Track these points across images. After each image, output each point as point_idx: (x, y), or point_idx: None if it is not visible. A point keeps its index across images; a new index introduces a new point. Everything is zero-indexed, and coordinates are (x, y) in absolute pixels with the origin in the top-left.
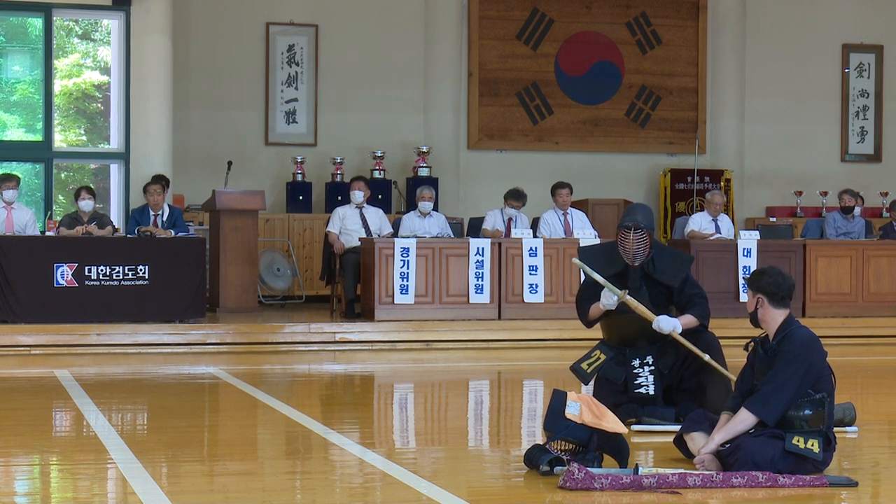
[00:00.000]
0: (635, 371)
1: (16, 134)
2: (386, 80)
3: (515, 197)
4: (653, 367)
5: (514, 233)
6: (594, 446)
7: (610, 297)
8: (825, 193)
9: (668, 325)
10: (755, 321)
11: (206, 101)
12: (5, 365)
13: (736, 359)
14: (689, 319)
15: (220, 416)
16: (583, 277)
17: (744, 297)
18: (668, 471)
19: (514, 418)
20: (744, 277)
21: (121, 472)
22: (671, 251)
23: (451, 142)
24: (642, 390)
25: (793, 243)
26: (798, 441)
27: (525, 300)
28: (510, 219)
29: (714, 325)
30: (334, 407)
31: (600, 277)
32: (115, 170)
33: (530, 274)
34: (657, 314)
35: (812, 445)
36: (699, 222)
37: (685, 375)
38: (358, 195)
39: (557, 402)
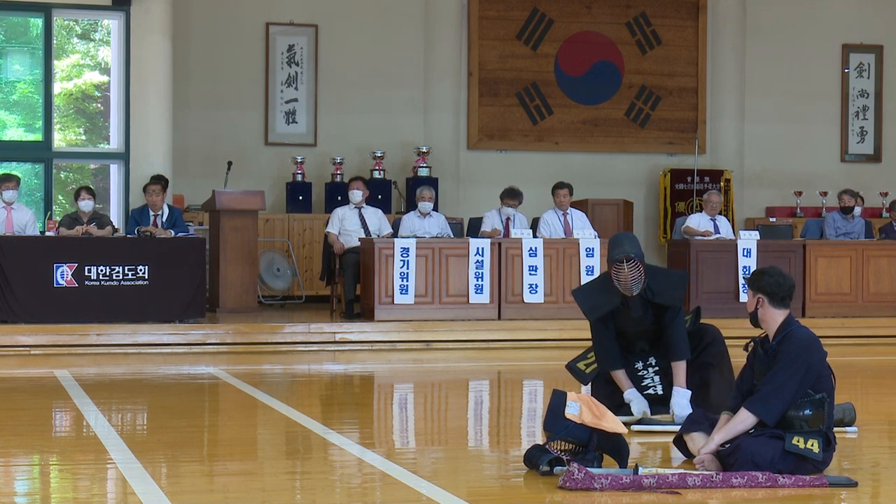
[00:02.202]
0: (640, 374)
1: (16, 134)
2: (386, 80)
3: (511, 195)
4: (657, 368)
5: (513, 232)
6: (594, 446)
7: (643, 407)
8: (825, 193)
9: (686, 408)
10: (755, 321)
11: (206, 101)
12: (5, 365)
13: (736, 359)
14: (682, 373)
15: (220, 416)
16: (588, 276)
17: (744, 298)
18: (668, 471)
19: (514, 418)
20: (744, 277)
21: (121, 472)
22: (663, 272)
23: (451, 142)
24: (651, 391)
25: (793, 243)
26: (798, 441)
27: (525, 300)
28: (508, 218)
29: (713, 325)
30: (334, 407)
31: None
32: (114, 170)
33: (530, 274)
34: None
35: (812, 445)
36: (697, 222)
37: (688, 371)
38: (356, 195)
39: (557, 402)
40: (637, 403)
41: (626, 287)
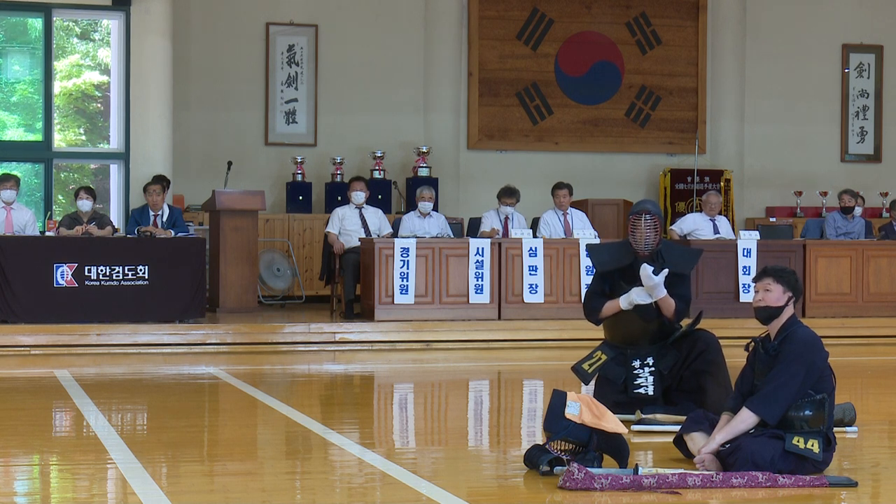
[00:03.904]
0: (635, 371)
1: (16, 134)
2: (386, 80)
3: (508, 194)
4: (653, 369)
5: (512, 232)
6: (594, 446)
7: (645, 295)
8: (825, 193)
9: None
10: (766, 317)
11: (206, 101)
12: (5, 365)
13: (736, 359)
14: (670, 302)
15: (220, 416)
16: (588, 276)
17: (744, 298)
18: (668, 471)
19: (514, 418)
20: (757, 271)
21: (121, 472)
22: (680, 246)
23: (451, 142)
24: (641, 391)
25: (793, 243)
26: (798, 441)
27: (525, 300)
28: (507, 217)
29: (714, 325)
30: (334, 407)
31: None
32: (114, 170)
33: (530, 274)
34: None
35: (812, 446)
36: (693, 222)
37: (685, 376)
38: (359, 196)
39: (557, 402)
40: (637, 292)
41: (639, 242)
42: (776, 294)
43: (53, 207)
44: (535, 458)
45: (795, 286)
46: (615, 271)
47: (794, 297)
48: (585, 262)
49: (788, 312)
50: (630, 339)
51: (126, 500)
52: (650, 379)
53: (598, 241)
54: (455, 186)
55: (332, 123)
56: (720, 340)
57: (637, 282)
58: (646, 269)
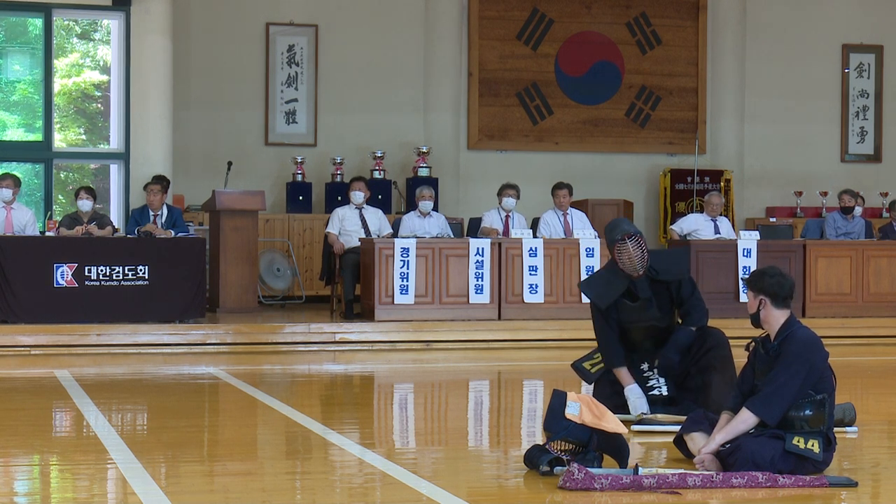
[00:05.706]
0: (645, 375)
1: (16, 134)
2: (386, 80)
3: (509, 186)
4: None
5: (513, 231)
6: (594, 446)
7: (642, 406)
8: (825, 194)
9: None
10: (756, 322)
11: (206, 101)
12: (5, 365)
13: (737, 359)
14: (684, 340)
15: (220, 416)
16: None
17: (744, 298)
18: (668, 471)
19: (514, 418)
20: (743, 278)
21: (121, 472)
22: (663, 251)
23: (451, 142)
24: (656, 392)
25: (793, 243)
26: (798, 441)
27: (525, 300)
28: (507, 216)
29: (714, 325)
30: (334, 407)
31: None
32: (114, 170)
33: (530, 274)
34: (667, 320)
35: (812, 446)
36: (694, 222)
37: (691, 372)
38: (358, 196)
39: (557, 402)
40: (635, 400)
41: (631, 266)
42: (748, 300)
43: (53, 207)
44: (535, 458)
45: (771, 289)
46: (616, 299)
47: (772, 299)
48: (585, 262)
49: (775, 315)
50: (632, 345)
51: (126, 500)
52: (662, 380)
53: (597, 240)
54: (455, 186)
55: (332, 123)
56: None
57: (635, 299)
58: (636, 400)
